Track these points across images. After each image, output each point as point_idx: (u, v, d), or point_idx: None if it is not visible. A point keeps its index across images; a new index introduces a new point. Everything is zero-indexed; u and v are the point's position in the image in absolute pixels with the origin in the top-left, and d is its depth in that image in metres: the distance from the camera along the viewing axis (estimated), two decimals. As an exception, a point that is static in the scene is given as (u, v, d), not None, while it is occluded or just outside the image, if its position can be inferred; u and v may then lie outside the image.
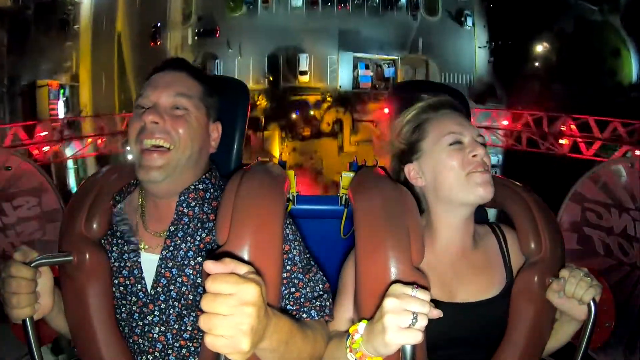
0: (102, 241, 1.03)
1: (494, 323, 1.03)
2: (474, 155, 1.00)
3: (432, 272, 1.01)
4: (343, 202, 1.45)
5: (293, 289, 0.98)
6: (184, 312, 0.97)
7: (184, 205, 1.03)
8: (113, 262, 1.01)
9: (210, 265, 0.64)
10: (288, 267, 0.98)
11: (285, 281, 0.97)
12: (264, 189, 0.95)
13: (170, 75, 1.04)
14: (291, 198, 1.42)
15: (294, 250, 1.00)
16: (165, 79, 1.03)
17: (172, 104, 1.00)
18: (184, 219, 1.02)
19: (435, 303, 0.96)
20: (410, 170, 1.08)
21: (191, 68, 1.08)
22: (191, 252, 0.99)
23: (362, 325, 0.80)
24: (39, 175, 1.81)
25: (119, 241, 1.02)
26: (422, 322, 0.71)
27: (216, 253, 0.88)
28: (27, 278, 0.88)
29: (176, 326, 0.97)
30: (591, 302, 0.92)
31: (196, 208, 1.03)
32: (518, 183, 1.16)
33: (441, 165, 1.02)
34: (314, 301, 0.99)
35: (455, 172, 1.00)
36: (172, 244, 1.00)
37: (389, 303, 0.73)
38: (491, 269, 1.07)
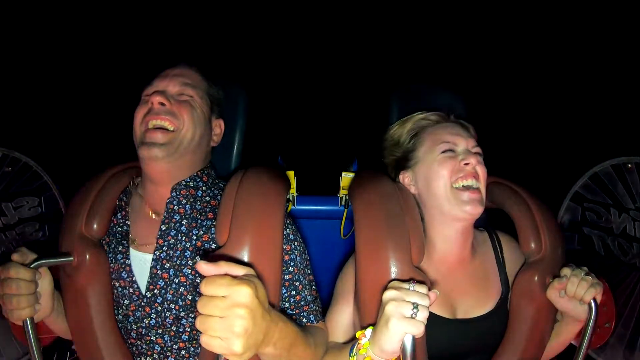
0: (102, 241, 1.03)
1: (494, 334, 1.03)
2: (466, 164, 1.00)
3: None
4: (343, 203, 1.45)
5: (294, 292, 0.97)
6: (182, 313, 0.96)
7: (175, 202, 1.02)
8: (110, 263, 1.01)
9: (203, 267, 0.65)
10: (290, 269, 0.97)
11: (287, 283, 0.97)
12: (264, 190, 0.94)
13: (178, 69, 1.09)
14: (291, 199, 1.42)
15: (296, 251, 0.99)
16: (173, 72, 1.07)
17: (179, 91, 1.04)
18: (175, 217, 1.01)
19: (436, 320, 0.96)
20: (405, 178, 1.08)
21: (196, 65, 1.12)
22: (188, 252, 0.98)
23: (369, 330, 0.81)
24: (39, 175, 1.81)
25: (113, 242, 1.02)
26: (423, 313, 0.72)
27: (214, 254, 0.88)
28: (26, 279, 0.88)
29: (174, 328, 0.96)
30: (592, 301, 0.92)
31: (187, 206, 1.02)
32: (517, 184, 1.16)
33: (433, 172, 1.01)
34: (312, 305, 0.99)
35: (444, 181, 1.00)
36: (165, 243, 0.99)
37: (388, 293, 0.74)
38: (488, 280, 1.06)
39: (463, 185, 0.99)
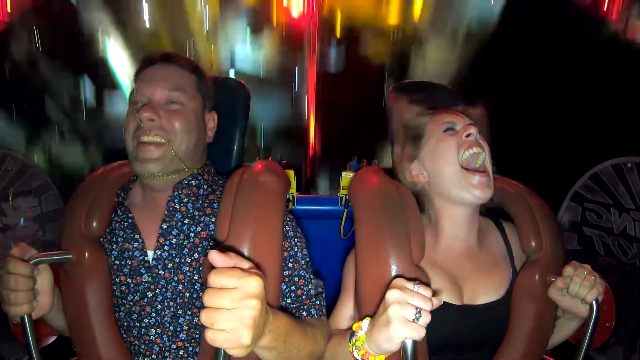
0: (101, 239, 1.03)
1: (502, 322, 1.03)
2: (468, 135, 1.02)
3: (440, 271, 1.01)
4: (343, 203, 1.45)
5: (294, 287, 0.97)
6: (179, 311, 0.96)
7: (176, 201, 1.01)
8: (113, 260, 1.00)
9: (215, 256, 0.63)
10: (290, 265, 0.97)
11: (287, 279, 0.97)
12: (264, 187, 0.94)
13: (162, 69, 1.03)
14: (291, 198, 1.42)
15: (295, 247, 0.99)
16: (159, 73, 1.01)
17: (167, 98, 1.00)
18: (177, 215, 1.00)
19: (446, 306, 0.95)
20: (413, 169, 1.09)
21: (183, 60, 1.06)
22: (186, 250, 0.98)
23: (365, 322, 0.79)
24: (39, 175, 1.81)
25: (119, 239, 1.02)
26: (426, 318, 0.71)
27: (217, 249, 0.87)
28: (25, 275, 0.87)
29: (171, 327, 0.96)
30: (593, 301, 0.92)
31: (189, 204, 1.02)
32: (518, 182, 1.16)
33: (439, 152, 1.03)
34: (314, 299, 0.99)
35: (452, 161, 1.01)
36: (167, 242, 0.98)
37: (393, 294, 0.72)
38: (498, 267, 1.06)
39: (471, 155, 1.01)
